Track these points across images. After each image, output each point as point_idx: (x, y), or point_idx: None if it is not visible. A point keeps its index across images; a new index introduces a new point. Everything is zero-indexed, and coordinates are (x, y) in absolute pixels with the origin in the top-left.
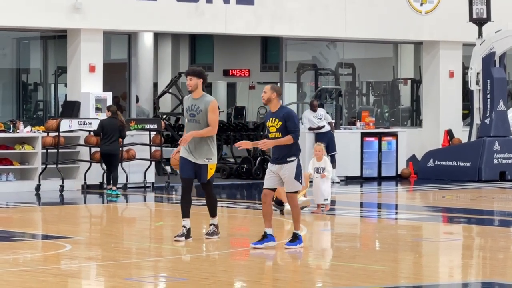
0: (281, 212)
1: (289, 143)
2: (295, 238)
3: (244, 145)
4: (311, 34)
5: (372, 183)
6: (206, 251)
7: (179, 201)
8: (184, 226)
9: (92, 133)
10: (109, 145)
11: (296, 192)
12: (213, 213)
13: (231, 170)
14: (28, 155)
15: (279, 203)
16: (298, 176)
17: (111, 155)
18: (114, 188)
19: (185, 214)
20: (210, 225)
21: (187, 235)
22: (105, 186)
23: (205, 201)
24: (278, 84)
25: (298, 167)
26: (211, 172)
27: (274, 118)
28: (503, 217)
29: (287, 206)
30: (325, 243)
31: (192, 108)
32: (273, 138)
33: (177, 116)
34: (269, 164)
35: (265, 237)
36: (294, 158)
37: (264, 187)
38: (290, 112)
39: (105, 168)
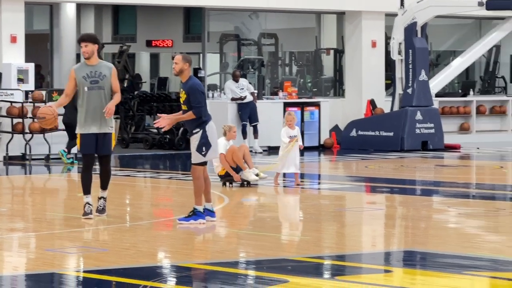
0: (230, 183)
1: (190, 118)
2: (192, 214)
3: (163, 123)
4: (234, 4)
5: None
6: (129, 221)
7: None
8: (88, 203)
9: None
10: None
11: (200, 164)
12: (106, 186)
13: (153, 141)
14: None
15: (237, 170)
16: (200, 147)
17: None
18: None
19: (88, 190)
20: (100, 198)
21: (102, 210)
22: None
23: (100, 174)
24: (201, 55)
25: (202, 139)
26: (113, 142)
27: (182, 90)
28: (425, 187)
29: (245, 173)
30: (248, 213)
31: (94, 74)
32: (183, 111)
33: None
34: None
35: (194, 214)
36: (199, 130)
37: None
38: (194, 85)
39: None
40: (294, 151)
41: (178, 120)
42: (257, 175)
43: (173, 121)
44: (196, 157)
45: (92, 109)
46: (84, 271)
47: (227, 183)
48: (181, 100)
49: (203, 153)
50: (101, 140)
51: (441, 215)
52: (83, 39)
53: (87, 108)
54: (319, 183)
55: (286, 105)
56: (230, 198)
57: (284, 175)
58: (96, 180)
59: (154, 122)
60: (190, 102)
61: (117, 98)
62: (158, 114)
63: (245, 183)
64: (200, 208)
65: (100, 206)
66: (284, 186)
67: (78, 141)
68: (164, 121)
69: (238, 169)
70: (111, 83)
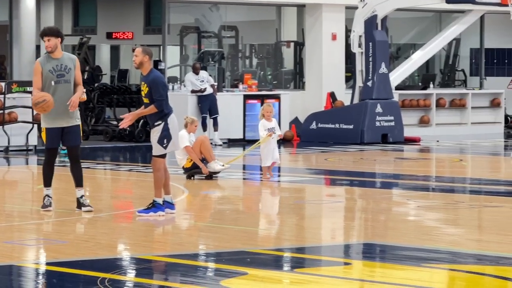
0: (192, 176)
1: (152, 112)
2: (152, 206)
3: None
4: None
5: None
6: (89, 213)
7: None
8: (48, 196)
9: None
10: None
11: (160, 156)
12: (81, 182)
13: (113, 133)
14: None
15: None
16: (161, 140)
17: None
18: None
19: (49, 183)
20: (81, 197)
21: (88, 205)
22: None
23: (71, 169)
24: (161, 47)
25: (164, 131)
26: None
27: (143, 83)
28: (384, 179)
29: (212, 164)
30: (207, 206)
31: (60, 68)
32: (145, 104)
33: None
34: None
35: (154, 206)
36: (161, 122)
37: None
38: (156, 79)
39: None
40: (273, 143)
41: (141, 115)
42: (222, 165)
43: (136, 117)
44: (157, 149)
45: (58, 103)
46: (43, 263)
47: (192, 176)
48: (143, 93)
49: (164, 145)
50: (69, 132)
51: (400, 207)
52: (45, 33)
53: (54, 103)
54: (278, 176)
55: (246, 97)
56: (190, 190)
57: (244, 167)
58: (59, 175)
59: (119, 124)
60: (152, 95)
61: (81, 90)
62: (120, 116)
63: (211, 175)
64: (160, 200)
65: (85, 203)
66: (243, 179)
67: (43, 135)
68: (128, 121)
69: (203, 162)
70: (75, 76)
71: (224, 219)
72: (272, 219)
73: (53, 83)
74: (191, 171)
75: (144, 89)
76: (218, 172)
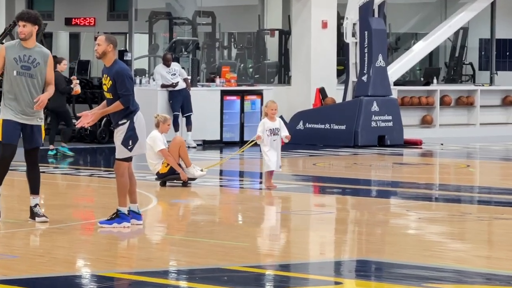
0: (164, 183)
1: (117, 110)
2: (116, 216)
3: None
4: None
5: (233, 149)
6: (44, 224)
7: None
8: None
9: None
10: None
11: (125, 159)
12: (38, 189)
13: (73, 133)
14: None
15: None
16: (126, 141)
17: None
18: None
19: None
20: (35, 206)
21: (43, 216)
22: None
23: (28, 173)
24: (128, 35)
25: (129, 131)
26: (43, 134)
27: (106, 76)
28: (381, 187)
29: (191, 170)
30: (179, 216)
31: (25, 59)
32: (108, 100)
33: None
34: None
35: (117, 216)
36: (125, 121)
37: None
38: (121, 70)
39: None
40: (276, 147)
41: (104, 113)
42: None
43: (98, 117)
44: (121, 152)
45: (19, 98)
46: None
47: (166, 183)
48: (105, 87)
49: (129, 147)
50: (29, 132)
51: (399, 219)
52: (21, 17)
53: (15, 96)
54: (260, 183)
55: (224, 93)
56: (159, 198)
57: (221, 172)
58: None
59: (76, 123)
60: (116, 89)
61: (51, 90)
62: (78, 114)
63: (187, 182)
64: (125, 210)
65: (39, 213)
66: (221, 186)
67: None
68: (87, 120)
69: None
70: (45, 73)
71: (198, 231)
72: (252, 231)
73: (14, 73)
74: (167, 178)
75: (107, 83)
76: (195, 179)
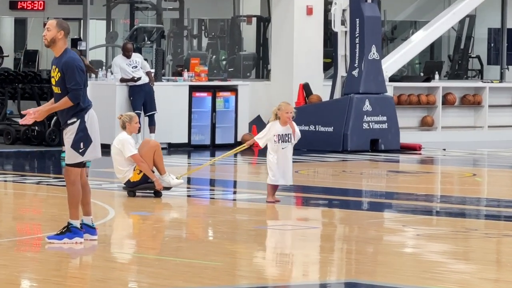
0: (134, 192)
1: (66, 107)
2: (66, 230)
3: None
4: None
5: (203, 153)
6: None
7: None
8: None
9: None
10: None
11: (77, 165)
12: None
13: (18, 134)
14: None
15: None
16: (77, 143)
17: None
18: None
19: None
20: None
21: None
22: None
23: None
24: (82, 21)
25: (80, 132)
26: None
27: (54, 67)
28: (374, 199)
29: (166, 178)
30: (140, 230)
31: None
32: (56, 95)
33: None
34: None
35: (68, 230)
36: (75, 120)
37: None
38: (71, 61)
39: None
40: (289, 156)
41: (51, 111)
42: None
43: (45, 114)
44: (71, 156)
45: None
46: None
47: (136, 193)
48: (53, 80)
49: (80, 150)
50: None
51: (394, 236)
52: None
53: None
54: (234, 193)
55: (193, 89)
56: (117, 210)
57: (189, 180)
58: None
59: (20, 121)
60: (65, 83)
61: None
62: (23, 112)
63: (160, 192)
64: (77, 223)
65: None
66: (188, 196)
67: None
68: (31, 117)
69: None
70: None
71: (162, 248)
72: (224, 249)
73: None
74: (138, 187)
75: (55, 75)
76: (170, 188)
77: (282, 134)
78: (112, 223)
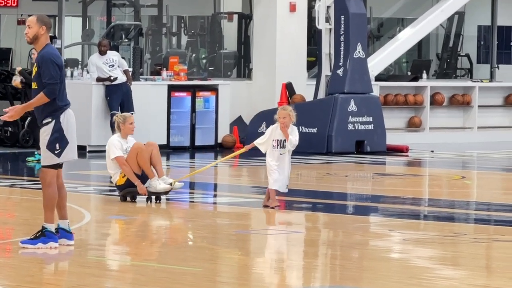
0: (133, 198)
1: (42, 103)
2: (41, 234)
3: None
4: None
5: (182, 155)
6: None
7: None
8: None
9: None
10: None
11: (52, 166)
12: None
13: None
14: None
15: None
16: (52, 144)
17: None
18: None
19: None
20: None
21: None
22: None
23: None
24: (57, 18)
25: (55, 132)
26: None
27: (36, 63)
28: (359, 202)
29: (153, 182)
30: (118, 236)
31: None
32: (33, 91)
33: None
34: None
35: (43, 235)
36: (50, 119)
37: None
38: (47, 55)
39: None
40: (286, 161)
41: (27, 108)
42: (170, 184)
43: (21, 112)
44: (46, 157)
45: None
46: None
47: (129, 197)
48: (32, 76)
49: (56, 152)
50: None
51: (380, 241)
52: None
53: None
54: (214, 196)
55: (172, 88)
56: (93, 214)
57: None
58: None
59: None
60: (41, 77)
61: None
62: (4, 109)
63: (153, 196)
64: (52, 227)
65: None
66: (167, 199)
67: None
68: (11, 116)
69: (144, 178)
70: None
71: (140, 253)
72: (204, 254)
73: None
74: (125, 190)
75: (34, 70)
76: (163, 194)
77: (280, 140)
78: (88, 228)
